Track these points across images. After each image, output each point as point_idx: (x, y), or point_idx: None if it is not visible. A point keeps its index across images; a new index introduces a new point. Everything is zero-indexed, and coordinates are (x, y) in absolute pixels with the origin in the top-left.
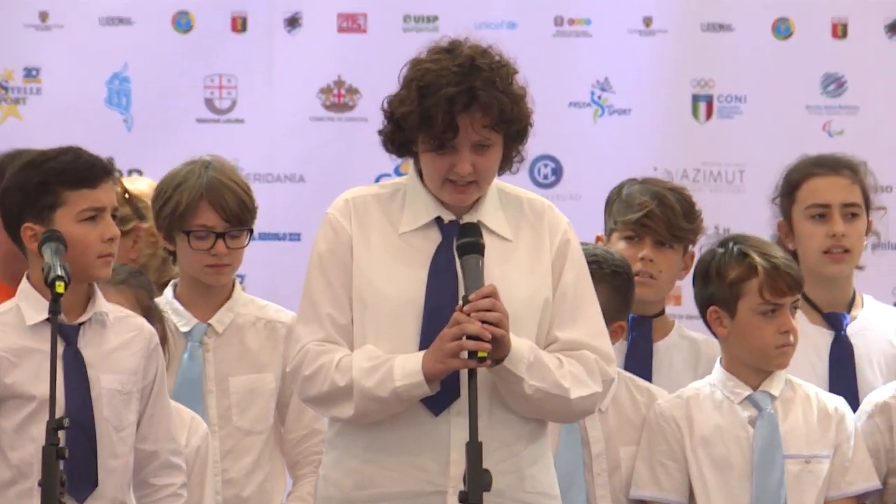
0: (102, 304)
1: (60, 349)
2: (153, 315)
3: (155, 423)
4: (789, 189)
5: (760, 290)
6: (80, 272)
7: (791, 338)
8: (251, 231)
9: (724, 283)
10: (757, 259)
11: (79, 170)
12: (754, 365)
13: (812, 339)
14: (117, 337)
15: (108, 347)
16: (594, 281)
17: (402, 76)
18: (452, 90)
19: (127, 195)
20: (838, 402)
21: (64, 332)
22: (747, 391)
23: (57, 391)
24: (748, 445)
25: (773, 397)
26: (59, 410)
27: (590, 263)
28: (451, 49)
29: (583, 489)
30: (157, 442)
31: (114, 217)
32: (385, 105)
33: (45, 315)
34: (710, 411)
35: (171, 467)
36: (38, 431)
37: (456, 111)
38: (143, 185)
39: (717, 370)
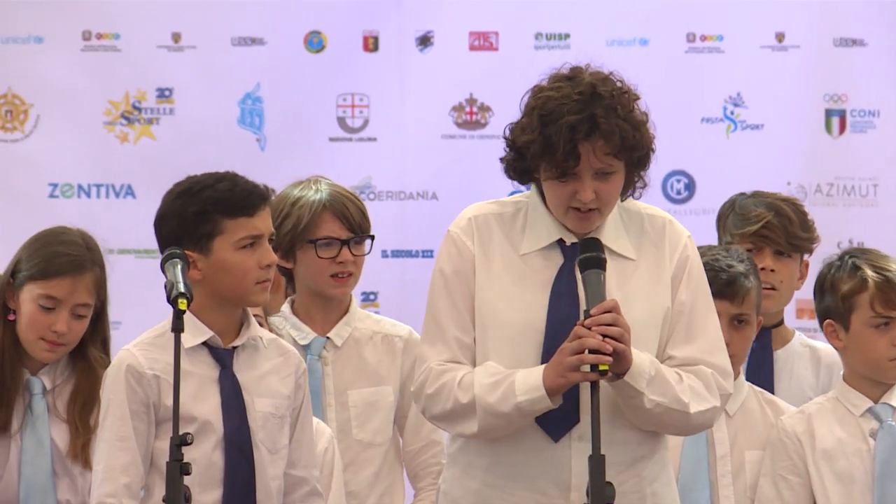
0: (256, 328)
1: (216, 373)
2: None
3: (302, 448)
4: None
5: (871, 303)
6: (238, 298)
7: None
8: (372, 238)
9: (838, 296)
10: (868, 272)
11: (236, 198)
12: (871, 377)
13: None
14: (269, 361)
15: (261, 371)
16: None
17: (524, 104)
18: (574, 118)
19: None
20: None
21: (219, 355)
22: (868, 403)
23: (214, 414)
24: (870, 458)
25: (894, 409)
26: (217, 434)
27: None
28: (573, 76)
29: (706, 486)
30: (305, 468)
31: (270, 241)
32: (507, 133)
33: (202, 339)
34: (831, 425)
35: (317, 494)
36: (199, 453)
37: (578, 139)
38: None
39: (840, 384)
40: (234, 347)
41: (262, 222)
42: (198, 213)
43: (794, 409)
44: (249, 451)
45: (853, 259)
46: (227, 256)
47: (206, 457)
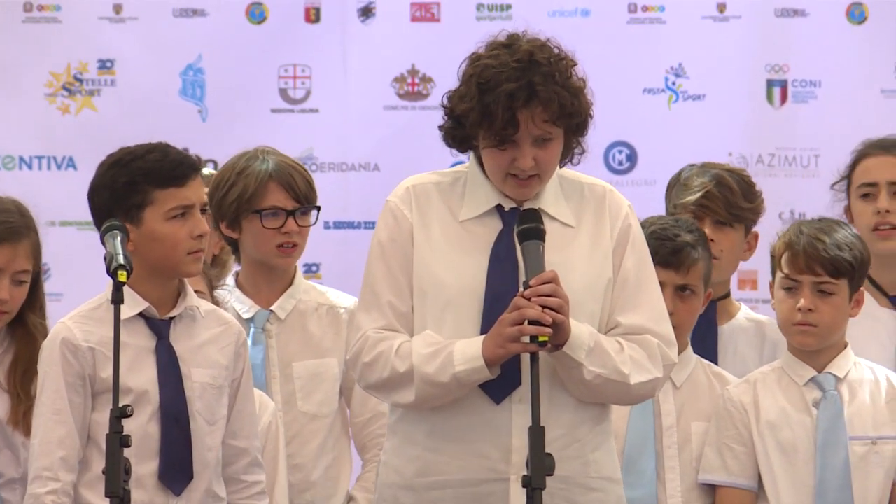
0: (193, 298)
1: (152, 343)
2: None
3: (244, 419)
4: (847, 172)
5: (781, 264)
6: (170, 269)
7: (811, 318)
8: (318, 208)
9: (770, 253)
10: (789, 235)
11: (166, 168)
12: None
13: (881, 322)
14: (207, 331)
15: (198, 341)
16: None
17: (461, 72)
18: (512, 86)
19: None
20: None
21: (155, 326)
22: (811, 373)
23: (151, 385)
24: (812, 428)
25: (837, 379)
26: (153, 404)
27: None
28: (510, 44)
29: (652, 457)
30: (247, 439)
31: (203, 212)
32: (445, 101)
33: (138, 309)
34: (776, 395)
35: (258, 465)
36: (135, 424)
37: (516, 107)
38: None
39: (785, 353)
40: (172, 318)
41: (193, 192)
42: (128, 184)
43: (738, 381)
44: (186, 422)
45: (801, 221)
46: (158, 227)
47: (141, 428)
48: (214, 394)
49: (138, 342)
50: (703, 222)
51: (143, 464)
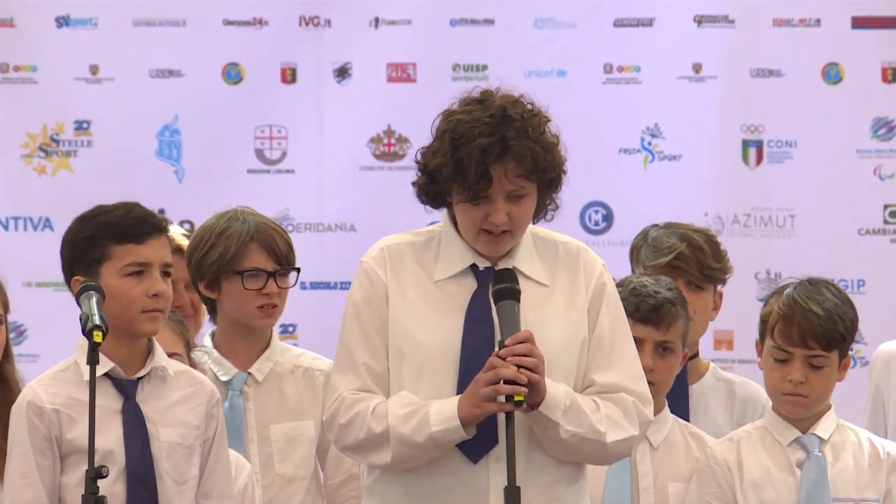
0: (162, 358)
1: (119, 404)
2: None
3: (216, 478)
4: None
5: (773, 333)
6: (126, 327)
7: (802, 389)
8: (298, 270)
9: (760, 317)
10: (781, 300)
11: (126, 224)
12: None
13: None
14: (178, 391)
15: (168, 401)
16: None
17: (435, 127)
18: (485, 141)
19: None
20: (891, 447)
21: (122, 386)
22: (795, 434)
23: (116, 445)
24: (796, 488)
25: (821, 440)
26: (119, 465)
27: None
28: (483, 100)
29: None
30: (219, 499)
31: (167, 274)
32: (418, 157)
33: (103, 370)
34: (759, 454)
35: None
36: (101, 485)
37: (489, 162)
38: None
39: (769, 413)
40: (140, 378)
41: (152, 251)
42: (88, 238)
43: (720, 439)
44: (152, 483)
45: (791, 285)
46: (113, 283)
47: (107, 489)
48: (184, 453)
49: (105, 402)
50: (675, 283)
51: None
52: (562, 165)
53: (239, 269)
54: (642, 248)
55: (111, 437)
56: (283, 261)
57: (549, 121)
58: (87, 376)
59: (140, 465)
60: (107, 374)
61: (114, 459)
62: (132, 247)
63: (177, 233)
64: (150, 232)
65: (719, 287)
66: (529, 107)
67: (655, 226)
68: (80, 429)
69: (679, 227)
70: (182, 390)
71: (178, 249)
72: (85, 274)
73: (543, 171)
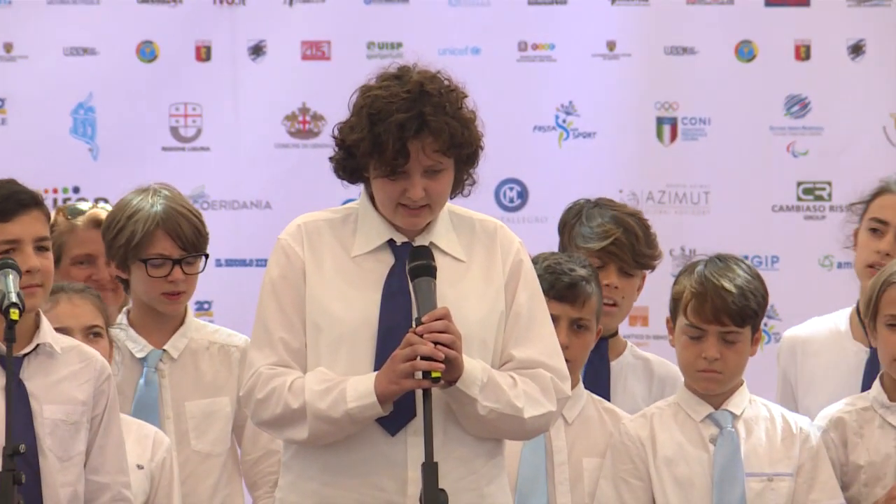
0: (48, 335)
1: (2, 381)
2: (112, 322)
3: (106, 454)
4: (867, 199)
5: (686, 311)
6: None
7: (716, 365)
8: (206, 256)
9: (671, 295)
10: (692, 278)
11: None
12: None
13: (848, 355)
14: (66, 367)
15: (54, 378)
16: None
17: (352, 103)
18: (402, 116)
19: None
20: (803, 422)
21: (5, 363)
22: (708, 409)
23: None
24: (709, 463)
25: (734, 416)
26: (0, 442)
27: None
28: (400, 75)
29: (545, 494)
30: (108, 474)
31: (43, 248)
32: (336, 132)
33: None
34: (672, 430)
35: (123, 500)
36: None
37: (407, 137)
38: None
39: (681, 389)
40: (26, 355)
41: (21, 227)
42: None
43: (634, 415)
44: (35, 460)
45: (701, 263)
46: None
47: None
48: (69, 430)
49: None
50: (607, 268)
51: None
52: (479, 141)
53: (143, 256)
54: (575, 225)
55: None
56: (190, 247)
57: (466, 97)
58: None
59: (22, 443)
60: None
61: None
62: (0, 225)
63: (98, 207)
64: (14, 209)
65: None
66: (447, 82)
67: (588, 201)
68: None
69: (613, 206)
70: (70, 366)
71: (97, 223)
72: None
73: (461, 147)
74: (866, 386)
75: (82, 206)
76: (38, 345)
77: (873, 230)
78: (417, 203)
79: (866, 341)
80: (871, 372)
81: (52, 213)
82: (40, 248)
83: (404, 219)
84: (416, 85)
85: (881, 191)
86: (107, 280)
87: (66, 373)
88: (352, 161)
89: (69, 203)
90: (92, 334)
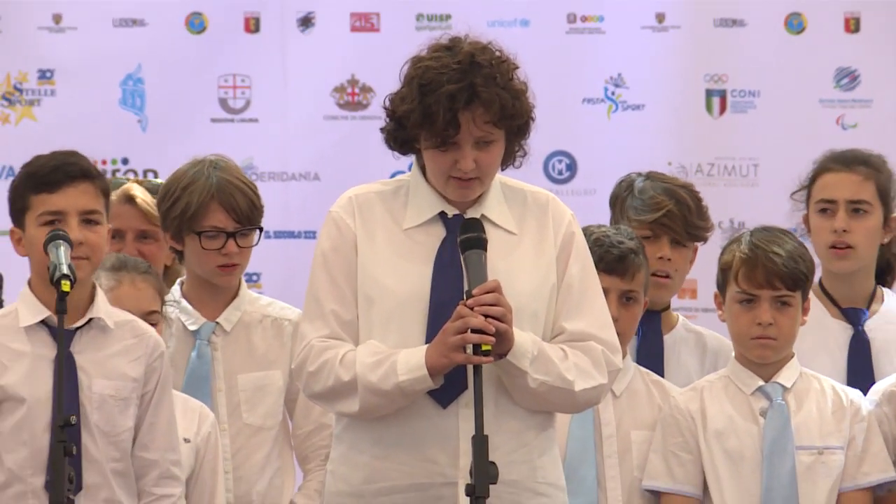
0: (102, 309)
1: (53, 353)
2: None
3: (156, 431)
4: (808, 183)
5: (737, 278)
6: (46, 276)
7: (771, 331)
8: (261, 230)
9: (719, 267)
10: (742, 246)
11: (41, 174)
12: (742, 353)
13: (833, 333)
14: (119, 342)
15: (106, 353)
16: None
17: (403, 74)
18: (453, 87)
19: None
20: (854, 395)
21: (57, 335)
22: (758, 382)
23: (46, 396)
24: (759, 436)
25: (784, 388)
26: (46, 417)
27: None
28: (452, 46)
29: (593, 466)
30: (157, 451)
31: (90, 222)
32: (387, 103)
33: (39, 318)
34: (723, 403)
35: (171, 477)
36: (29, 435)
37: (457, 108)
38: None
39: (731, 362)
40: (79, 328)
41: (66, 200)
42: (14, 189)
43: (683, 389)
44: (77, 434)
45: (747, 232)
46: (32, 232)
47: (35, 439)
48: (117, 406)
49: (40, 351)
50: (660, 240)
51: (37, 476)
52: (530, 112)
53: (198, 228)
54: (627, 198)
55: (42, 388)
56: (244, 220)
57: (517, 68)
58: (22, 324)
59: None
60: (43, 323)
61: (42, 410)
62: (45, 196)
63: (135, 183)
64: (62, 181)
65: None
66: (498, 53)
67: (640, 175)
68: (11, 376)
69: (664, 179)
70: (123, 341)
71: (128, 199)
72: (16, 224)
73: (511, 118)
74: (852, 363)
75: (120, 180)
76: (90, 319)
77: (822, 210)
78: (468, 174)
79: (842, 316)
80: (856, 348)
81: None
82: (88, 221)
83: (455, 190)
84: (466, 56)
85: (820, 171)
86: (136, 256)
87: (118, 348)
88: (402, 132)
89: (111, 177)
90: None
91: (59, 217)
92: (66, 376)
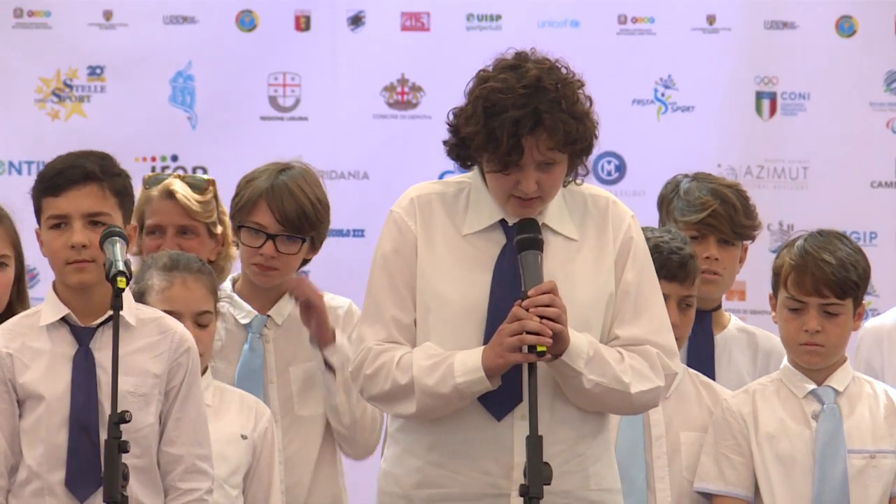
0: (126, 306)
1: (73, 351)
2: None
3: (182, 427)
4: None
5: (786, 284)
6: (58, 277)
7: (818, 338)
8: (305, 241)
9: (773, 270)
10: (792, 252)
11: (46, 177)
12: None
13: None
14: (141, 339)
15: (126, 349)
16: None
17: (468, 90)
18: (518, 113)
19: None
20: None
21: (77, 333)
22: (811, 385)
23: (64, 393)
24: (811, 440)
25: (837, 392)
26: (65, 411)
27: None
28: (517, 65)
29: (643, 467)
30: (183, 446)
31: (97, 224)
32: (450, 118)
33: (58, 316)
34: (774, 406)
35: (197, 472)
36: (46, 432)
37: (521, 134)
38: None
39: (784, 366)
40: (100, 325)
41: (69, 203)
42: (32, 192)
43: (734, 392)
44: (95, 432)
45: (802, 237)
46: (43, 235)
47: (53, 436)
48: (137, 402)
49: (58, 349)
50: (706, 240)
51: (54, 472)
52: (594, 132)
53: (244, 222)
54: (674, 199)
55: (61, 385)
56: (289, 225)
57: (582, 86)
58: (42, 322)
59: (84, 414)
60: (64, 320)
61: (60, 407)
62: (51, 199)
63: (177, 178)
64: (63, 184)
65: (746, 242)
66: (564, 72)
67: (686, 176)
68: (31, 375)
69: (710, 180)
70: (147, 338)
71: (169, 194)
72: (39, 224)
73: (575, 143)
74: None
75: (163, 176)
76: (110, 316)
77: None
78: (529, 195)
79: None
80: None
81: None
82: (94, 223)
83: (516, 209)
84: (532, 79)
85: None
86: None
87: (140, 344)
88: (465, 150)
89: (154, 173)
90: (199, 325)
91: (64, 220)
92: (84, 374)
